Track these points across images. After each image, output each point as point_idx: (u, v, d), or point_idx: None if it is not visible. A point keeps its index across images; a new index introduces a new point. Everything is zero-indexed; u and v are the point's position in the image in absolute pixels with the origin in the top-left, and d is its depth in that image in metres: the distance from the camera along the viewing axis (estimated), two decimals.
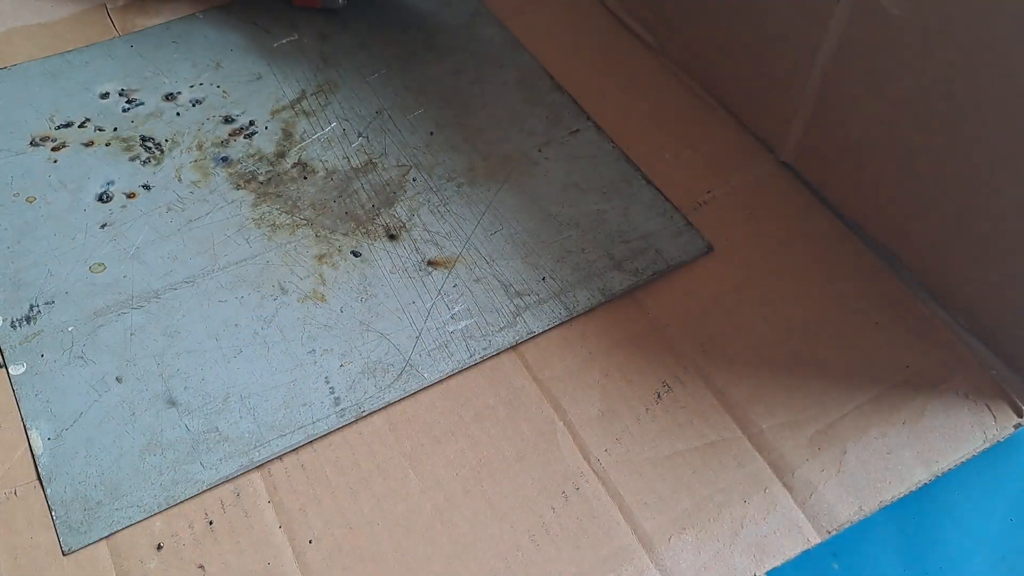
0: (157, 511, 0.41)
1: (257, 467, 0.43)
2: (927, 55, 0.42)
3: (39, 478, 0.42)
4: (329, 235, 0.51)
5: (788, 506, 0.42)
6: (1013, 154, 0.40)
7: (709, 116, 0.58)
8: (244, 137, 0.56)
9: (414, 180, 0.54)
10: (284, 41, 0.63)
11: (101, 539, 0.40)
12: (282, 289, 0.49)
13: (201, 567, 0.40)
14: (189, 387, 0.45)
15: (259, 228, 0.52)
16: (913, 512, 0.44)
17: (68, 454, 0.43)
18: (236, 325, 0.47)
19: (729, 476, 0.43)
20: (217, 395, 0.45)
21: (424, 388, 0.45)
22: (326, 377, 0.45)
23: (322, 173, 0.54)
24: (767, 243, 0.51)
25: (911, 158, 0.46)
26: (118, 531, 0.41)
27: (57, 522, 0.41)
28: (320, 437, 0.43)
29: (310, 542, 0.41)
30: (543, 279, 0.49)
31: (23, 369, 0.46)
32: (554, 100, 0.59)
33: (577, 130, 0.56)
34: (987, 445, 0.44)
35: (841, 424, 0.44)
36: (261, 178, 0.54)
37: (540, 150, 0.56)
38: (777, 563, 0.40)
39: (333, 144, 0.56)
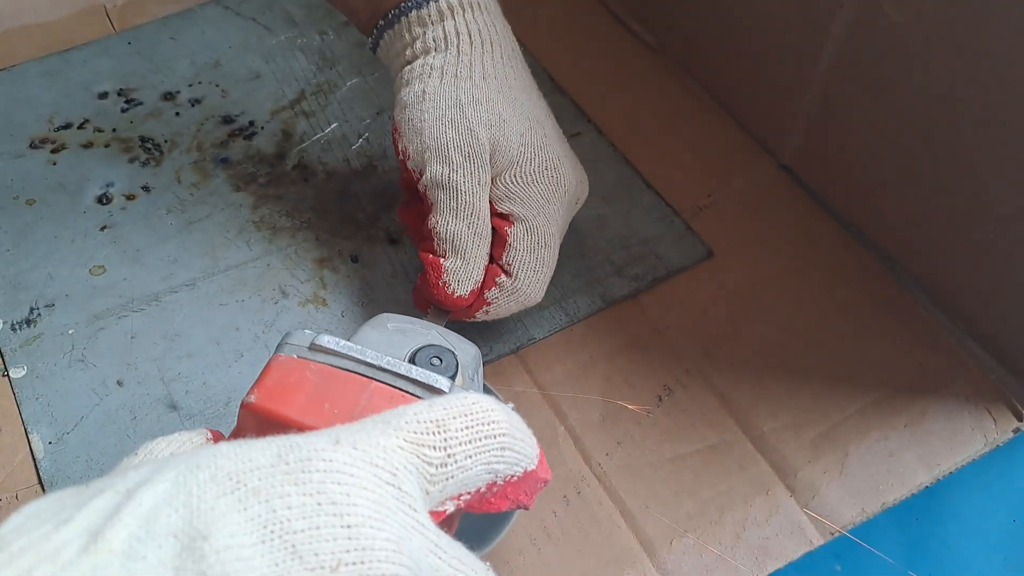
0: None
1: None
2: (928, 61, 0.42)
3: (40, 482, 0.42)
4: (330, 239, 0.51)
5: (791, 508, 0.42)
6: (1013, 160, 0.40)
7: (710, 119, 0.58)
8: (244, 138, 0.56)
9: None
10: (283, 38, 0.62)
11: None
12: (283, 293, 0.49)
13: None
14: (190, 391, 0.45)
15: (260, 231, 0.51)
16: (915, 514, 0.44)
17: (69, 458, 0.42)
18: (237, 329, 0.47)
19: (731, 479, 0.43)
20: (219, 400, 0.44)
21: None
22: None
23: (322, 176, 0.54)
24: (767, 247, 0.51)
25: (912, 163, 0.46)
26: None
27: None
28: None
29: None
30: None
31: (24, 372, 0.45)
32: (554, 101, 0.58)
33: (578, 133, 0.56)
34: (988, 448, 0.44)
35: (843, 427, 0.44)
36: (261, 180, 0.54)
37: None
38: (780, 565, 0.40)
39: (333, 146, 0.56)
